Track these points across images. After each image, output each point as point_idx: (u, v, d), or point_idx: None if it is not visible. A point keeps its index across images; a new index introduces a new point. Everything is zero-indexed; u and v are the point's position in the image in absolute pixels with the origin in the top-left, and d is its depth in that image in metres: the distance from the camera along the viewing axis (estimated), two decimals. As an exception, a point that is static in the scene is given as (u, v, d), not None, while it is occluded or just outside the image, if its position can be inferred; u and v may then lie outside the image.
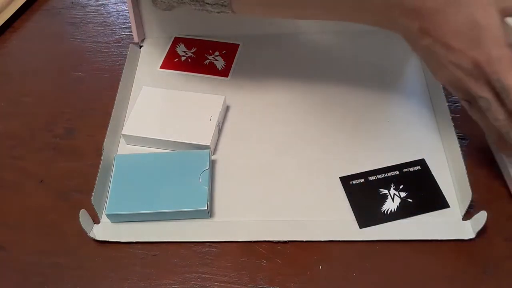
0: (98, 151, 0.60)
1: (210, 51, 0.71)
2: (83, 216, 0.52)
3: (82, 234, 0.53)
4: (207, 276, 0.50)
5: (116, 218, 0.54)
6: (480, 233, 0.50)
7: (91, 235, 0.52)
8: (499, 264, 0.49)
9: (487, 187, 0.52)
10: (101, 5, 0.81)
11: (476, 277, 0.48)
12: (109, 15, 0.79)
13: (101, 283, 0.50)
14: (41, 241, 0.54)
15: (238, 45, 0.71)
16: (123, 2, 0.81)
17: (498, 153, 0.55)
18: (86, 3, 0.80)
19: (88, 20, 0.78)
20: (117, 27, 0.77)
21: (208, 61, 0.70)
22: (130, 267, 0.51)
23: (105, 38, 0.75)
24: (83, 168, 0.59)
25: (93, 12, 0.79)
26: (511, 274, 0.49)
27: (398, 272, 0.49)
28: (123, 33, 0.75)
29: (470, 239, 0.50)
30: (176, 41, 0.72)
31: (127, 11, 0.79)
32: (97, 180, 0.54)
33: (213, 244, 0.52)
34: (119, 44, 0.74)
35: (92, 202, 0.53)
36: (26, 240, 0.54)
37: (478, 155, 0.57)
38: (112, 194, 0.54)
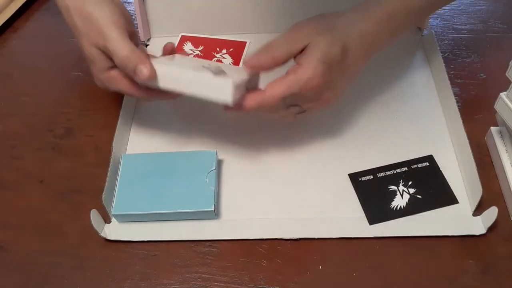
0: (98, 151, 0.61)
1: (218, 49, 0.71)
2: (94, 216, 0.52)
3: (82, 234, 0.53)
4: (207, 276, 0.50)
5: (123, 218, 0.54)
6: (480, 234, 0.50)
7: (102, 234, 0.52)
8: (499, 264, 0.49)
9: (486, 187, 0.52)
10: None
11: (476, 277, 0.48)
12: (109, 15, 0.79)
13: (101, 283, 0.50)
14: (41, 241, 0.54)
15: (246, 42, 0.71)
16: (127, 2, 0.81)
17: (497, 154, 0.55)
18: (86, 3, 0.80)
19: (88, 20, 0.78)
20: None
21: (215, 59, 0.70)
22: (130, 267, 0.51)
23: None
24: (83, 168, 0.59)
25: (93, 12, 0.79)
26: (511, 274, 0.49)
27: (397, 272, 0.49)
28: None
29: (470, 239, 0.50)
30: (183, 39, 0.72)
31: (131, 11, 0.79)
32: (107, 180, 0.54)
33: (213, 244, 0.52)
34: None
35: (103, 202, 0.52)
36: (26, 240, 0.54)
37: (477, 155, 0.57)
38: (119, 194, 0.54)
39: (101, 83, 0.54)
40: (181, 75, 0.50)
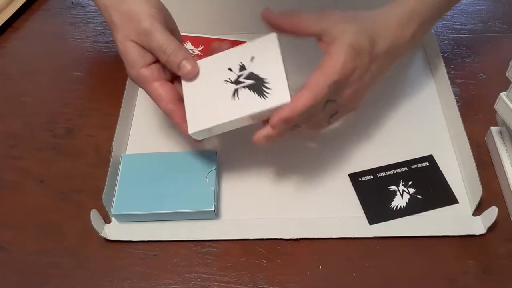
0: (98, 151, 0.61)
1: None
2: (94, 216, 0.52)
3: (82, 234, 0.53)
4: (207, 276, 0.50)
5: (123, 218, 0.54)
6: (480, 233, 0.50)
7: (102, 234, 0.52)
8: (499, 264, 0.49)
9: (486, 187, 0.52)
10: (101, 5, 0.81)
11: (476, 277, 0.48)
12: (109, 15, 0.79)
13: (101, 283, 0.50)
14: (41, 241, 0.54)
15: (245, 42, 0.71)
16: (123, 2, 0.80)
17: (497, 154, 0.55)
18: (86, 3, 0.80)
19: (88, 20, 0.78)
20: (117, 27, 0.77)
21: None
22: (130, 267, 0.51)
23: (105, 38, 0.75)
24: (83, 168, 0.59)
25: (93, 12, 0.79)
26: (511, 274, 0.49)
27: (398, 272, 0.49)
28: (123, 33, 0.75)
29: (470, 239, 0.50)
30: (183, 39, 0.72)
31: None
32: (107, 180, 0.54)
33: (213, 244, 0.52)
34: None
35: (103, 202, 0.52)
36: (26, 240, 0.54)
37: (477, 155, 0.57)
38: (119, 194, 0.54)
39: (132, 79, 0.53)
40: (236, 121, 0.47)
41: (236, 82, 0.48)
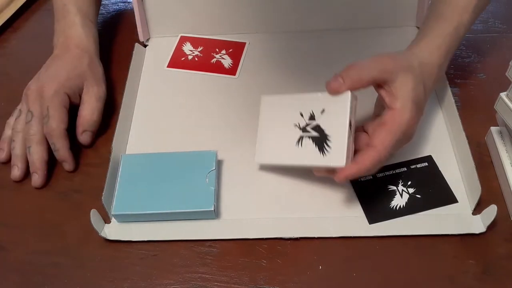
0: (98, 151, 0.61)
1: (217, 50, 0.71)
2: (94, 216, 0.52)
3: (82, 234, 0.53)
4: (207, 276, 0.50)
5: (123, 218, 0.54)
6: (480, 233, 0.50)
7: (102, 234, 0.52)
8: (499, 264, 0.49)
9: (486, 188, 0.52)
10: (101, 5, 0.81)
11: (476, 277, 0.48)
12: (109, 15, 0.79)
13: (101, 283, 0.50)
14: (41, 241, 0.54)
15: (245, 43, 0.71)
16: (123, 2, 0.81)
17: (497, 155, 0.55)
18: (86, 3, 0.80)
19: (88, 20, 0.77)
20: (117, 27, 0.77)
21: (215, 59, 0.70)
22: (130, 267, 0.51)
23: (105, 38, 0.74)
24: (83, 168, 0.59)
25: (93, 12, 0.79)
26: (511, 274, 0.49)
27: (398, 272, 0.49)
28: (123, 33, 0.75)
29: (470, 239, 0.50)
30: (183, 40, 0.72)
31: (127, 11, 0.79)
32: (106, 180, 0.54)
33: (213, 244, 0.52)
34: (118, 44, 0.74)
35: (103, 202, 0.52)
36: (26, 240, 0.54)
37: (478, 155, 0.57)
38: (119, 194, 0.54)
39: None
40: (294, 165, 0.52)
41: (303, 129, 0.51)
